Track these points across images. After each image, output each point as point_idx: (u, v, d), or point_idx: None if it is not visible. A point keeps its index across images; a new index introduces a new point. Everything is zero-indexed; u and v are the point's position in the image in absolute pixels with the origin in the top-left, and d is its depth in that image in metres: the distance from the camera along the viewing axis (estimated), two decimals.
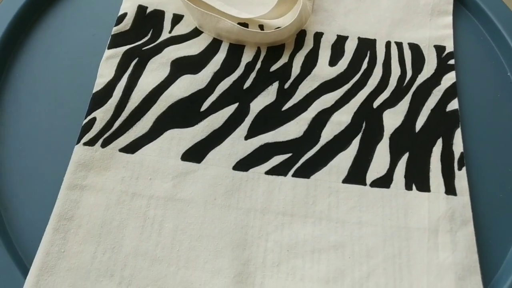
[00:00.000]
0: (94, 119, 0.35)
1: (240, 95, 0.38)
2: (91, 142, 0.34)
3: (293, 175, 0.35)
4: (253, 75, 0.39)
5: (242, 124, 0.37)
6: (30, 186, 0.34)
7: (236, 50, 0.40)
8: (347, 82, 0.40)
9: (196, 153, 0.35)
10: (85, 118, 0.35)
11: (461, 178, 0.35)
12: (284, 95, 0.38)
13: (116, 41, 0.39)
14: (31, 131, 0.36)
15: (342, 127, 0.37)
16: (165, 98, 0.37)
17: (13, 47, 0.40)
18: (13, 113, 0.37)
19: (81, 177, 0.33)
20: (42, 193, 0.33)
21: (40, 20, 0.42)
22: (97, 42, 0.40)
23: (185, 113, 0.37)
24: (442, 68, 0.41)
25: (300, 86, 0.39)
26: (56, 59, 0.40)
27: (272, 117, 0.37)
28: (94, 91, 0.37)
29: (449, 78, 0.40)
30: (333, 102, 0.38)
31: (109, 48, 0.39)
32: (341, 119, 0.37)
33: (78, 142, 0.34)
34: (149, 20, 0.41)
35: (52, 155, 0.35)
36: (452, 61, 0.41)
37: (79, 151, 0.34)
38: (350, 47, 0.41)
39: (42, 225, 0.31)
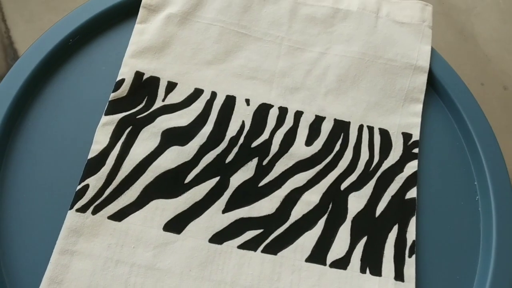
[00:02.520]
0: (87, 186, 0.39)
1: (222, 169, 0.42)
2: (83, 209, 0.38)
3: (262, 251, 0.39)
4: (235, 149, 0.43)
5: (221, 198, 0.41)
6: (28, 235, 0.37)
7: (222, 123, 0.44)
8: (320, 163, 0.44)
9: (177, 224, 0.39)
10: (79, 184, 0.39)
11: (410, 265, 0.40)
12: (261, 171, 0.42)
13: (113, 107, 0.43)
14: (35, 184, 0.40)
15: (311, 207, 0.41)
16: (154, 168, 0.41)
17: (27, 100, 0.43)
18: (21, 162, 0.40)
19: (72, 242, 0.37)
20: (40, 244, 0.37)
21: (55, 75, 0.45)
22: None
23: (170, 184, 0.40)
24: (406, 156, 0.45)
25: (277, 164, 0.43)
26: (65, 117, 0.43)
27: (249, 193, 0.41)
28: (89, 157, 0.40)
29: (412, 167, 0.44)
30: (305, 182, 0.42)
31: (106, 114, 0.42)
32: (310, 199, 0.42)
33: (71, 207, 0.38)
34: (144, 87, 0.45)
35: (50, 212, 0.39)
36: (416, 150, 0.45)
37: (71, 217, 0.37)
38: (326, 128, 0.45)
39: (37, 274, 0.35)
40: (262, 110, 0.45)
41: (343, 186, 0.43)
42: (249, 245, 0.39)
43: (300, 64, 0.48)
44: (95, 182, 0.39)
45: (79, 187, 0.39)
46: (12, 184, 0.40)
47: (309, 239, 0.40)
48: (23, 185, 0.40)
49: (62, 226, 0.37)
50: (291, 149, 0.44)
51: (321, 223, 0.41)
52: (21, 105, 0.43)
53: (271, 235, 0.40)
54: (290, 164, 0.43)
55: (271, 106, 0.45)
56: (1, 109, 0.41)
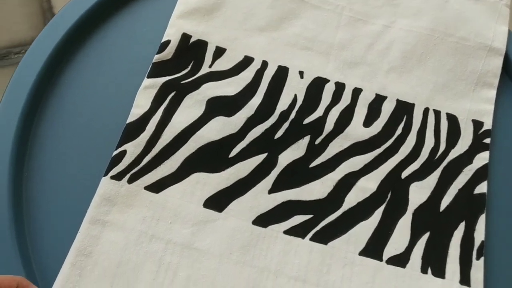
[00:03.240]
0: (124, 152, 0.36)
1: (270, 145, 0.38)
2: (118, 176, 0.35)
3: (311, 239, 0.35)
4: (285, 125, 0.39)
5: (268, 177, 0.37)
6: (57, 201, 0.35)
7: (272, 96, 0.40)
8: (379, 147, 0.39)
9: (218, 201, 0.35)
10: (116, 149, 0.36)
11: (477, 268, 0.35)
12: (313, 151, 0.38)
13: (156, 70, 0.39)
14: (66, 146, 0.37)
15: (367, 194, 0.37)
16: (196, 138, 0.37)
17: (63, 59, 0.40)
18: (53, 122, 0.38)
19: (104, 212, 0.33)
20: (69, 212, 0.34)
21: (94, 34, 0.42)
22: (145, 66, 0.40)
23: (213, 157, 0.37)
24: (476, 146, 0.40)
25: (331, 144, 0.39)
26: (102, 78, 0.40)
27: (298, 173, 0.37)
28: (128, 121, 0.37)
29: (482, 158, 0.39)
30: (361, 166, 0.38)
31: (148, 77, 0.39)
32: (367, 186, 0.37)
33: (106, 174, 0.35)
34: (191, 51, 0.41)
35: (82, 178, 0.36)
36: (487, 140, 0.40)
37: (106, 185, 0.34)
38: (387, 109, 0.41)
39: (64, 245, 0.32)
40: (317, 84, 0.41)
41: (404, 174, 0.38)
42: (297, 231, 0.35)
43: (361, 37, 0.43)
44: (133, 148, 0.36)
45: (115, 152, 0.36)
46: (44, 143, 0.37)
47: (364, 230, 0.35)
48: (54, 146, 0.37)
49: (94, 194, 0.34)
50: (347, 129, 0.39)
51: (378, 214, 0.36)
52: (57, 63, 0.40)
53: (322, 222, 0.35)
54: (346, 146, 0.39)
55: (327, 80, 0.41)
56: (35, 67, 0.38)
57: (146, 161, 0.36)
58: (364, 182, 0.37)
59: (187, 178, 0.36)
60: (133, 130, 0.37)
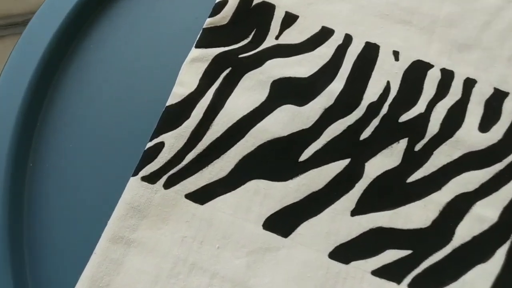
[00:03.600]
0: (161, 144, 0.27)
1: (354, 148, 0.28)
2: (152, 178, 0.26)
3: (410, 285, 0.25)
4: (375, 122, 0.29)
5: (351, 192, 0.27)
6: (65, 208, 0.26)
7: (358, 81, 0.30)
8: (500, 160, 0.29)
9: (284, 222, 0.26)
10: (150, 140, 0.27)
11: None
12: (412, 160, 0.28)
13: (208, 38, 0.30)
14: (83, 131, 0.28)
15: (485, 227, 0.27)
16: (256, 133, 0.28)
17: (85, 22, 0.31)
18: (70, 96, 0.29)
19: (131, 226, 0.24)
20: (81, 225, 0.25)
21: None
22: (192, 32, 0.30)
23: (278, 159, 0.27)
24: None
25: (436, 152, 0.29)
26: (133, 44, 0.31)
27: (392, 189, 0.27)
28: (168, 103, 0.28)
29: None
30: (477, 186, 0.28)
31: (197, 46, 0.30)
32: (484, 214, 0.27)
33: (136, 173, 0.26)
34: (253, 16, 0.31)
35: (101, 177, 0.27)
36: None
37: (135, 188, 0.25)
38: (509, 109, 0.30)
39: (72, 271, 0.24)
40: (417, 70, 0.31)
41: None
42: (390, 273, 0.25)
43: (475, 12, 0.33)
44: (173, 140, 0.27)
45: (149, 144, 0.27)
46: (57, 122, 0.28)
47: (483, 276, 0.26)
48: (65, 135, 0.28)
49: (116, 199, 0.25)
50: (457, 132, 0.29)
51: (500, 254, 0.26)
52: (74, 28, 0.31)
53: (424, 262, 0.26)
54: (456, 156, 0.29)
55: (430, 65, 0.31)
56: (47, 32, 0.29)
57: (190, 159, 0.27)
58: (481, 208, 0.27)
59: (243, 186, 0.26)
60: (174, 116, 0.27)
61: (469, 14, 0.33)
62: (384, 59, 0.31)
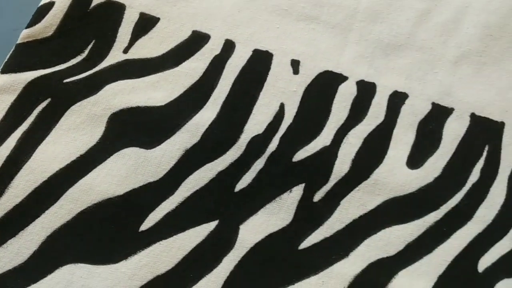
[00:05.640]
0: None
1: (225, 206, 0.22)
2: None
3: None
4: (258, 164, 0.23)
5: (216, 270, 0.21)
6: None
7: (240, 106, 0.23)
8: (436, 207, 0.23)
9: None
10: None
11: None
12: (309, 216, 0.22)
13: (21, 58, 0.23)
14: None
15: None
16: (77, 194, 0.22)
17: None
18: None
19: None
20: None
21: None
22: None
23: (108, 230, 0.20)
24: None
25: (344, 202, 0.22)
26: None
27: (277, 261, 0.21)
28: None
29: None
30: (401, 247, 0.22)
31: (3, 71, 0.22)
32: None
33: None
34: (92, 22, 0.25)
35: None
36: None
37: None
38: (453, 132, 0.25)
39: None
40: (324, 85, 0.25)
41: (483, 264, 0.21)
42: None
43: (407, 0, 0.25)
44: None
45: None
46: None
47: None
48: None
49: None
50: (376, 171, 0.23)
51: None
52: None
53: None
54: (373, 205, 0.23)
55: (343, 78, 0.25)
56: None
57: None
58: (406, 280, 0.20)
59: (50, 277, 0.19)
60: None
61: (400, 3, 0.25)
62: (278, 73, 0.24)
